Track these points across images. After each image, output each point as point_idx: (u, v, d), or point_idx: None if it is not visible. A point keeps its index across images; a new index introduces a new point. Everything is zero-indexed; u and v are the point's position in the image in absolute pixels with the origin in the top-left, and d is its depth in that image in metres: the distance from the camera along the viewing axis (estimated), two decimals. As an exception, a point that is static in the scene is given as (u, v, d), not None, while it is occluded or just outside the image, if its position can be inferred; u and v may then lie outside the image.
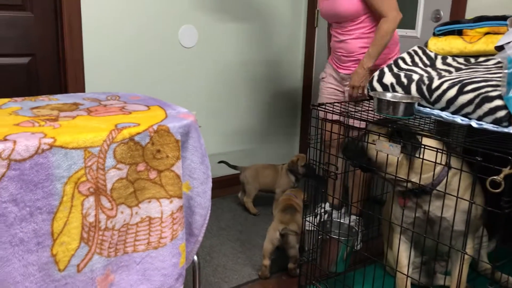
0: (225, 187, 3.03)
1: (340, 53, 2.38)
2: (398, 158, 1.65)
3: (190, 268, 1.67)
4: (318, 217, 1.95)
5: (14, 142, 1.17)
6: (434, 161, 1.59)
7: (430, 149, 1.59)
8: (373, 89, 1.95)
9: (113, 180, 1.35)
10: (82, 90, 2.41)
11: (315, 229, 1.94)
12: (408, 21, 2.86)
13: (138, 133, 1.38)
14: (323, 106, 1.86)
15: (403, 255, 1.83)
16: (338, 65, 2.42)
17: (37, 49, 2.34)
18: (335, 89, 2.48)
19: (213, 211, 2.67)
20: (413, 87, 1.83)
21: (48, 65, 2.39)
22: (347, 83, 2.38)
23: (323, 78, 2.54)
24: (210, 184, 1.61)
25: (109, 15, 2.45)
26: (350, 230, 1.96)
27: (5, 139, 1.18)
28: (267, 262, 2.11)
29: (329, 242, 1.86)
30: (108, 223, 1.36)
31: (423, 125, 1.92)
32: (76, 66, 2.37)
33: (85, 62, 2.41)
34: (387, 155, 1.66)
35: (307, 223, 2.02)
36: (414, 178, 1.66)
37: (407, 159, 1.65)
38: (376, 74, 1.97)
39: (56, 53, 2.39)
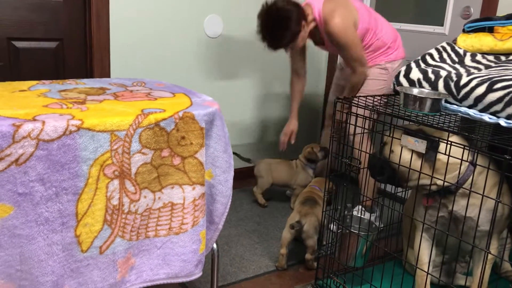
0: (245, 178, 3.03)
1: None
2: (421, 161, 1.62)
3: (208, 256, 1.68)
4: (338, 211, 1.94)
5: (43, 122, 1.18)
6: (461, 158, 1.57)
7: (456, 146, 1.56)
8: (399, 84, 1.93)
9: (138, 165, 1.36)
10: (107, 75, 2.43)
11: (335, 223, 1.93)
12: (436, 18, 2.81)
13: (164, 119, 1.39)
14: (348, 100, 1.85)
15: (424, 252, 1.81)
16: None
17: (65, 34, 2.37)
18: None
19: (232, 201, 2.68)
20: (441, 83, 1.80)
21: (75, 50, 2.42)
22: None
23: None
24: (232, 173, 1.62)
25: (136, 2, 2.46)
26: (370, 225, 1.95)
27: (34, 119, 1.19)
28: (284, 251, 2.11)
29: (349, 237, 1.85)
30: (132, 206, 1.37)
31: (449, 122, 1.89)
32: (102, 52, 2.39)
33: (111, 48, 2.43)
34: (410, 162, 1.63)
35: (326, 216, 2.02)
36: (439, 179, 1.64)
37: (430, 161, 1.62)
38: (403, 69, 1.95)
39: (83, 39, 2.42)
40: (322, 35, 2.37)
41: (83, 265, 1.32)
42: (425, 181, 1.65)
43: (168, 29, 2.62)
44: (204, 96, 1.65)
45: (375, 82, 2.43)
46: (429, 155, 1.60)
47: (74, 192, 1.26)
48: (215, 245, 1.66)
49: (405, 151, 1.66)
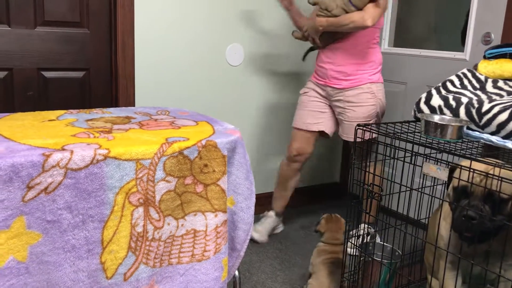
0: (265, 204, 3.04)
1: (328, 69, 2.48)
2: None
3: (230, 283, 1.68)
4: (360, 239, 1.92)
5: (71, 152, 1.23)
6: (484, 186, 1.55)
7: (480, 174, 1.55)
8: (420, 111, 1.93)
9: (162, 192, 1.39)
10: (132, 104, 2.49)
11: (357, 251, 1.92)
12: (456, 44, 2.82)
13: (187, 147, 1.42)
14: (369, 127, 1.86)
15: (449, 283, 1.77)
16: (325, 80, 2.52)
17: (92, 64, 2.45)
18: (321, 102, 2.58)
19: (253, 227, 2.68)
20: (462, 110, 1.80)
21: (101, 80, 2.49)
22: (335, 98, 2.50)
23: (305, 92, 2.62)
24: (253, 200, 1.63)
25: (160, 33, 2.54)
26: (393, 253, 1.93)
27: (63, 149, 1.24)
28: None
29: (371, 264, 1.83)
30: (155, 233, 1.39)
31: (471, 149, 1.88)
32: (127, 81, 2.46)
33: (136, 78, 2.50)
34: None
35: (348, 243, 2.00)
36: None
37: None
38: (423, 96, 1.95)
39: (109, 68, 2.49)
40: None
41: (108, 291, 1.34)
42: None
43: (191, 58, 2.68)
44: (226, 124, 1.68)
45: (365, 108, 2.43)
46: None
47: (100, 219, 1.29)
48: (237, 272, 1.67)
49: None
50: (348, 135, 2.49)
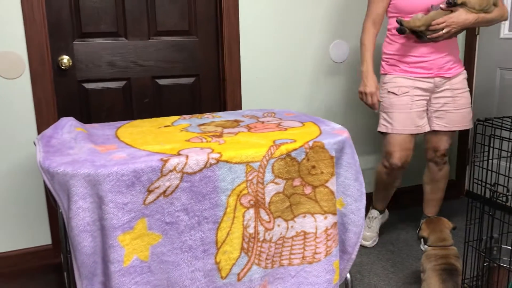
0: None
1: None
2: None
3: (342, 286, 1.65)
4: (483, 242, 1.78)
5: (187, 156, 1.28)
6: None
7: None
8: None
9: (271, 194, 1.40)
10: (239, 106, 2.56)
11: (480, 255, 1.78)
12: None
13: (295, 149, 1.42)
14: (490, 122, 1.71)
15: None
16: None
17: (201, 70, 2.56)
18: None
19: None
20: None
21: (209, 84, 2.59)
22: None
23: (405, 93, 2.32)
24: (364, 202, 1.58)
25: (264, 37, 2.57)
26: (522, 259, 1.75)
27: (179, 154, 1.30)
28: None
29: (497, 271, 1.69)
30: (266, 235, 1.41)
31: None
32: (234, 85, 2.53)
33: (242, 81, 2.56)
34: None
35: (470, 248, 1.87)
36: None
37: None
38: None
39: (217, 74, 2.58)
40: None
41: (223, 291, 1.39)
42: None
43: (294, 58, 2.68)
44: (333, 124, 1.65)
45: (468, 94, 2.38)
46: None
47: (214, 221, 1.34)
48: (348, 275, 1.64)
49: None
50: (461, 124, 2.36)
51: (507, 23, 2.90)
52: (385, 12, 2.33)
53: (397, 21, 2.18)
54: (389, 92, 2.33)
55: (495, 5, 2.20)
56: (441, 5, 2.17)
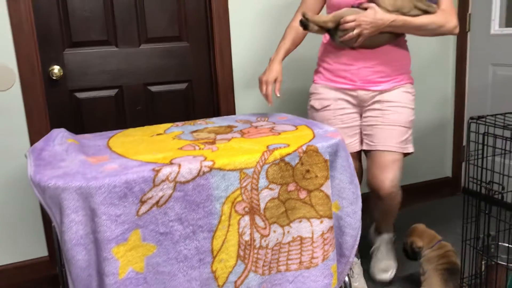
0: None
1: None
2: None
3: (341, 289, 1.65)
4: (481, 240, 1.78)
5: (179, 165, 1.27)
6: None
7: None
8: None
9: (266, 200, 1.39)
10: (233, 110, 2.55)
11: (478, 253, 1.77)
12: None
13: (288, 154, 1.41)
14: (483, 119, 1.71)
15: None
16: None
17: (193, 75, 2.55)
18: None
19: (362, 230, 2.61)
20: None
21: (202, 90, 2.58)
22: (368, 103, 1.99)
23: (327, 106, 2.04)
24: (360, 204, 1.58)
25: (255, 43, 2.56)
26: (520, 256, 1.75)
27: (171, 163, 1.29)
28: None
29: (496, 269, 1.68)
30: (262, 241, 1.40)
31: None
32: (227, 89, 2.52)
33: (235, 85, 2.55)
34: None
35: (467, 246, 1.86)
36: None
37: None
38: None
39: (209, 79, 2.57)
40: None
41: (220, 299, 1.38)
42: None
43: (285, 62, 2.68)
44: (327, 127, 1.65)
45: (408, 111, 1.98)
46: None
47: (209, 229, 1.32)
48: (346, 278, 1.63)
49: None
50: (387, 144, 1.96)
51: (496, 18, 2.90)
52: (321, 8, 2.08)
53: (302, 13, 1.85)
54: (311, 106, 2.09)
55: (426, 12, 1.82)
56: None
